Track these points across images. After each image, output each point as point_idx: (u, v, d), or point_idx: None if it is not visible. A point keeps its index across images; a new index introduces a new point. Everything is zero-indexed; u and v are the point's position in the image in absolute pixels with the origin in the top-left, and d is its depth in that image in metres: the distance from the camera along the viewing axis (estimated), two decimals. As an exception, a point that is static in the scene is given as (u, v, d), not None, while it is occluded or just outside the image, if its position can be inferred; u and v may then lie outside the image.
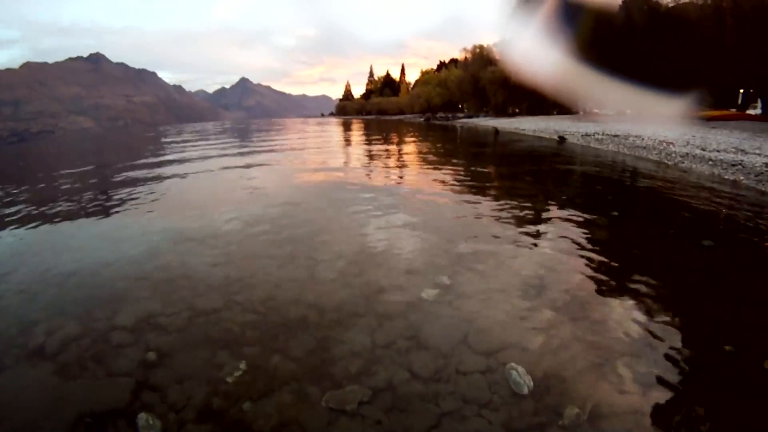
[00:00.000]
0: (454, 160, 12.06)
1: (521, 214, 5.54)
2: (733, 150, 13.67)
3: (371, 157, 13.34)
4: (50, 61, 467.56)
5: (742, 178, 10.16)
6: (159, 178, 9.15)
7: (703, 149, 14.14)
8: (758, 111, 28.25)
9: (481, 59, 72.10)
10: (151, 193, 7.86)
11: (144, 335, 2.99)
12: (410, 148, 17.34)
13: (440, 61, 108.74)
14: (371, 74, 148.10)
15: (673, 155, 13.75)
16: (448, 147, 17.19)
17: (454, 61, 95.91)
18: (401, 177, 8.64)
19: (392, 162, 11.73)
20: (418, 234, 4.83)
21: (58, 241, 5.44)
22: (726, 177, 10.45)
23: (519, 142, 19.88)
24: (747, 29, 25.88)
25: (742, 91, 31.21)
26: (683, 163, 12.65)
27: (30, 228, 6.19)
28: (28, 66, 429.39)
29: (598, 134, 20.75)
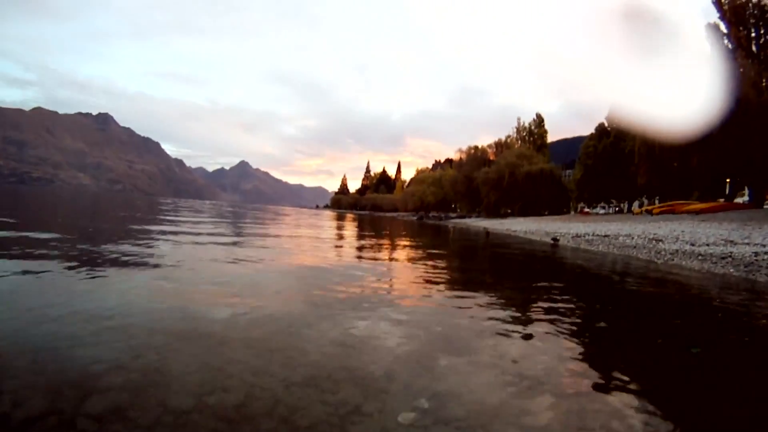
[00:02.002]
0: (444, 262, 12.05)
1: (508, 324, 5.41)
2: (723, 242, 13.83)
3: (361, 254, 13.32)
4: (61, 111, 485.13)
5: (732, 270, 10.19)
6: (150, 255, 8.99)
7: (692, 244, 14.31)
8: (746, 199, 28.81)
9: (476, 160, 75.41)
10: (140, 271, 7.65)
11: (111, 427, 2.79)
12: (402, 247, 17.41)
13: (436, 161, 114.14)
14: (368, 170, 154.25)
15: (663, 253, 13.87)
16: (439, 248, 17.26)
17: (449, 161, 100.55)
18: (390, 278, 8.56)
19: (382, 261, 11.69)
20: (402, 345, 4.69)
21: (34, 304, 5.23)
22: (716, 271, 10.47)
23: (510, 244, 20.04)
24: (732, 119, 27.23)
25: (729, 180, 32.12)
26: (673, 260, 12.73)
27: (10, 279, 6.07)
28: (39, 111, 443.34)
29: (589, 235, 21.09)
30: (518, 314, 6.00)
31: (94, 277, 6.45)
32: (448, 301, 6.59)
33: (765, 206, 25.12)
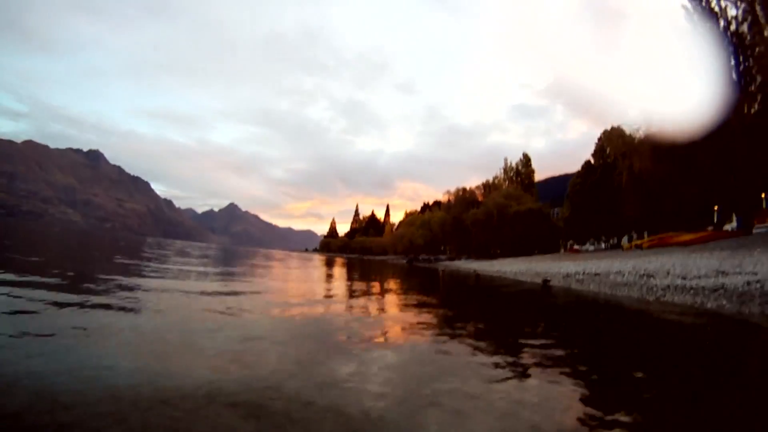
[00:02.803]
0: (435, 308, 11.75)
1: (497, 371, 5.15)
2: (714, 273, 13.58)
3: (351, 300, 13.00)
4: (52, 145, 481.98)
5: (724, 303, 9.97)
6: (136, 301, 8.56)
7: (684, 278, 14.06)
8: (734, 225, 28.84)
9: (464, 201, 75.85)
10: (129, 320, 7.17)
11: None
12: (392, 291, 17.08)
13: (424, 203, 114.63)
14: (357, 213, 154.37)
15: (655, 289, 13.66)
16: (429, 292, 16.97)
17: (437, 203, 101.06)
18: (379, 325, 8.27)
19: (372, 307, 11.36)
20: (394, 399, 4.40)
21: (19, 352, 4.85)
22: (708, 306, 10.25)
23: (500, 287, 19.78)
24: (715, 147, 27.51)
25: (716, 207, 32.27)
26: (665, 296, 12.52)
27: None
28: (31, 144, 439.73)
29: (579, 274, 20.76)
30: (514, 360, 5.71)
31: (74, 327, 6.07)
32: (440, 348, 6.30)
33: (755, 231, 25.11)
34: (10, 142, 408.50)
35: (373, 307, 11.71)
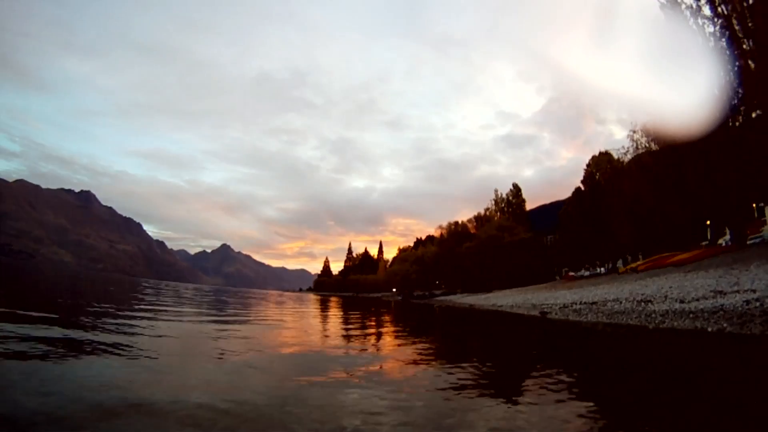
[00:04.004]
0: (433, 345, 11.38)
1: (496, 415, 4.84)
2: (712, 294, 13.30)
3: (348, 340, 12.56)
4: (43, 185, 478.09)
5: (725, 325, 9.67)
6: (131, 347, 8.07)
7: (682, 301, 13.79)
8: (727, 238, 28.68)
9: (457, 235, 75.87)
10: (127, 368, 6.72)
11: None
12: (388, 330, 16.63)
13: (417, 238, 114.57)
14: (350, 251, 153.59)
15: (654, 315, 13.33)
16: (426, 329, 16.57)
17: (430, 237, 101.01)
18: (377, 366, 7.92)
19: (369, 347, 10.95)
20: None
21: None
22: (709, 329, 9.94)
23: (497, 322, 19.35)
24: (701, 162, 27.63)
25: (708, 222, 32.16)
26: (664, 322, 12.17)
27: None
28: (22, 183, 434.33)
29: (576, 304, 20.41)
30: (515, 404, 5.35)
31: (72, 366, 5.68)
32: (440, 387, 5.97)
33: (749, 242, 24.95)
34: (1, 181, 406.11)
35: (369, 344, 11.35)
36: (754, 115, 26.46)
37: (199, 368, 6.44)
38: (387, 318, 23.67)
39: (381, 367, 7.44)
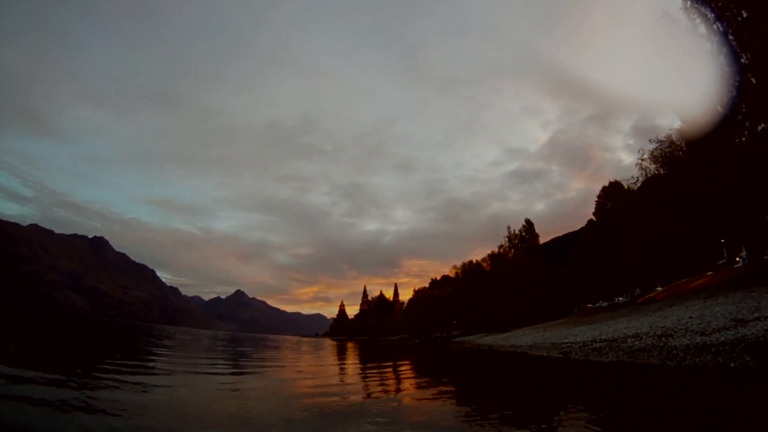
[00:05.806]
0: (453, 390, 11.27)
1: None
2: (732, 323, 13.10)
3: (371, 386, 12.45)
4: (57, 231, 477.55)
5: (748, 359, 9.58)
6: (143, 404, 7.96)
7: (703, 333, 13.57)
8: (744, 255, 28.13)
9: (472, 275, 75.29)
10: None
11: None
12: (407, 374, 16.54)
13: (432, 279, 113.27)
14: (365, 294, 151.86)
15: (675, 352, 13.11)
16: (446, 373, 16.40)
17: (445, 277, 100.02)
18: (403, 409, 7.94)
19: (390, 388, 10.96)
20: None
21: None
22: (732, 365, 9.82)
23: (518, 366, 19.02)
24: (712, 181, 27.30)
25: (723, 241, 31.60)
26: (685, 359, 11.97)
27: None
28: (35, 228, 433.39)
29: (596, 342, 20.12)
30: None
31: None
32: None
33: (766, 257, 24.42)
34: (15, 225, 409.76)
35: (391, 388, 11.28)
36: (759, 128, 26.35)
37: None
38: (406, 362, 23.22)
39: (406, 412, 7.39)
